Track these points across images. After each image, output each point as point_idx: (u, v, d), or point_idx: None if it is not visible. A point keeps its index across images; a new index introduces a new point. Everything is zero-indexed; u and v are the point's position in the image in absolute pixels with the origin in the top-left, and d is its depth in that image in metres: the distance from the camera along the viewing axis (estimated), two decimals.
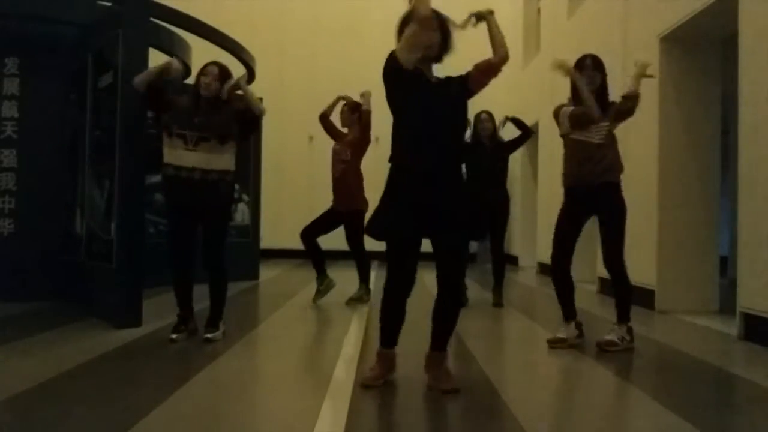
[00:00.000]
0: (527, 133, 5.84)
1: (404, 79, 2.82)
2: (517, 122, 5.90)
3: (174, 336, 3.88)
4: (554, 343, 3.88)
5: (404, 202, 2.82)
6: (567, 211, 3.96)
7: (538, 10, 10.45)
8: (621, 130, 6.43)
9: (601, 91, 3.89)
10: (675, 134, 5.63)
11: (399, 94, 2.88)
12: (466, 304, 5.60)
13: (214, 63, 3.98)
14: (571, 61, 4.03)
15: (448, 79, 2.98)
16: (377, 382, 2.92)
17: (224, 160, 3.91)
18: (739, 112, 4.43)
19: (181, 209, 3.91)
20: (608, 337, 3.83)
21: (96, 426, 2.37)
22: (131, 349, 3.68)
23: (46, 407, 2.58)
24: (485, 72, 2.96)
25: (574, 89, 3.89)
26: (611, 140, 3.90)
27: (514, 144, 5.85)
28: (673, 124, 5.63)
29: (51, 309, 5.05)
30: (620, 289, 3.96)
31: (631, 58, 6.27)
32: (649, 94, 5.79)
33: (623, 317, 3.91)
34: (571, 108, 3.88)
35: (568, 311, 3.97)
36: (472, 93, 2.99)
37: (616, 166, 3.94)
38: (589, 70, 3.88)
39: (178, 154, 3.82)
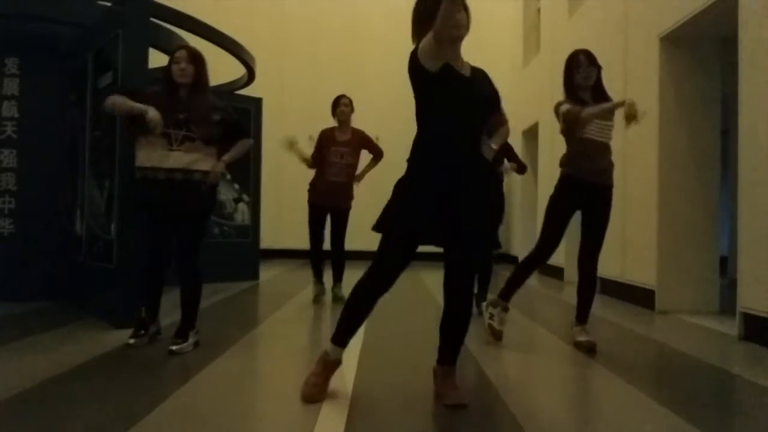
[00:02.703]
0: (521, 170, 5.55)
1: (432, 79, 2.64)
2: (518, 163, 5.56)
3: (132, 341, 3.69)
4: (499, 337, 4.02)
5: (426, 200, 2.62)
6: (564, 200, 3.89)
7: (538, 10, 10.46)
8: (620, 130, 6.45)
9: (597, 86, 3.87)
10: (675, 134, 5.63)
11: (430, 91, 2.69)
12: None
13: (182, 47, 3.80)
14: (581, 48, 3.98)
15: (481, 74, 2.82)
16: (321, 395, 2.69)
17: (208, 161, 3.69)
18: (739, 112, 4.43)
19: (158, 211, 3.68)
20: (589, 338, 3.88)
21: (96, 426, 2.37)
22: (131, 349, 3.68)
23: (46, 407, 2.57)
24: (500, 123, 2.93)
25: (567, 86, 3.87)
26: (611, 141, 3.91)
27: (510, 158, 5.51)
28: (673, 124, 5.63)
29: (51, 309, 5.05)
30: (593, 287, 4.01)
31: (632, 58, 6.30)
32: (649, 94, 5.81)
33: (587, 316, 3.99)
34: (566, 106, 3.82)
35: (510, 298, 4.10)
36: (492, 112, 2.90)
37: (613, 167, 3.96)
38: (584, 66, 3.82)
39: (157, 156, 3.56)
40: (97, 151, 4.84)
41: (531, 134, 10.17)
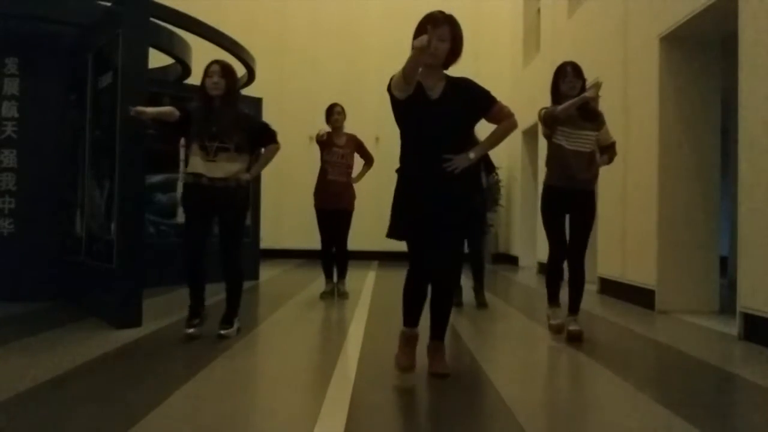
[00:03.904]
0: (490, 169, 6.00)
1: (402, 102, 3.00)
2: (487, 164, 5.85)
3: (190, 331, 3.95)
4: (559, 330, 4.18)
5: (412, 206, 3.06)
6: (552, 210, 4.20)
7: (538, 11, 10.45)
8: (621, 130, 6.45)
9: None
10: (675, 134, 5.63)
11: (399, 114, 3.07)
12: (462, 306, 5.62)
13: (216, 62, 4.03)
14: (569, 60, 4.17)
15: (457, 88, 3.05)
16: (412, 365, 3.07)
17: (240, 168, 3.99)
18: (739, 111, 4.43)
19: (198, 214, 3.97)
20: (577, 328, 4.09)
21: (96, 426, 2.37)
22: (131, 349, 3.68)
23: (46, 407, 2.58)
24: (500, 120, 3.12)
25: (554, 93, 4.16)
26: (596, 150, 4.18)
27: (484, 164, 5.76)
28: (673, 124, 5.63)
29: (51, 309, 5.05)
30: (581, 282, 4.22)
31: (632, 58, 6.30)
32: (649, 94, 5.81)
33: (578, 308, 4.19)
34: (544, 110, 4.16)
35: (557, 298, 4.30)
36: (482, 118, 3.16)
37: (597, 176, 4.26)
38: (570, 77, 4.10)
39: (199, 165, 3.89)
40: (97, 151, 4.84)
41: (531, 134, 10.17)
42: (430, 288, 3.16)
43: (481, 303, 5.62)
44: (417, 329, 3.19)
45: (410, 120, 3.04)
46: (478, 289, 5.70)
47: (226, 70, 3.98)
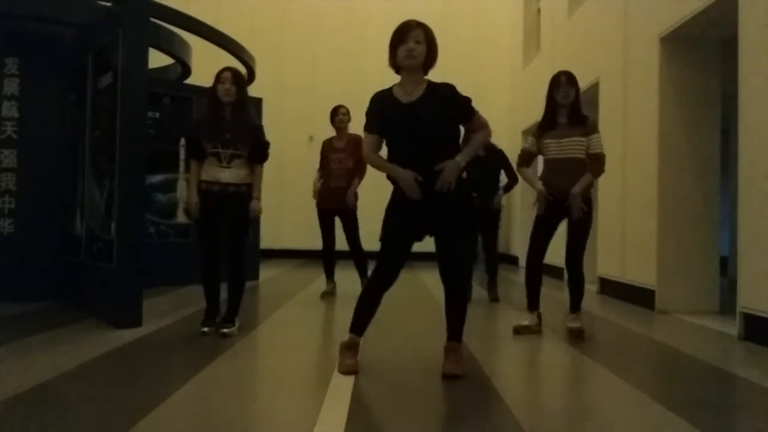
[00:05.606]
0: (513, 181, 6.14)
1: (378, 115, 3.12)
2: (509, 178, 6.12)
3: (205, 329, 4.07)
4: (520, 330, 4.28)
5: (401, 209, 3.11)
6: (544, 215, 4.25)
7: (538, 10, 10.45)
8: (621, 129, 6.45)
9: (574, 104, 4.19)
10: (675, 134, 5.63)
11: (379, 127, 3.14)
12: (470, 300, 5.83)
13: (227, 68, 4.12)
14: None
15: (436, 94, 3.07)
16: (356, 368, 3.15)
17: (248, 173, 4.10)
18: (739, 111, 4.43)
19: (210, 219, 4.05)
20: (578, 325, 4.20)
21: (96, 426, 2.37)
22: (131, 349, 3.68)
23: (46, 407, 2.58)
24: (477, 130, 3.20)
25: (549, 102, 4.24)
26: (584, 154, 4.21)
27: (507, 173, 6.07)
28: (673, 124, 5.63)
29: (51, 309, 5.06)
30: (580, 283, 4.30)
31: (632, 58, 6.30)
32: (649, 94, 5.81)
33: (579, 307, 4.30)
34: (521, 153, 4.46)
35: (534, 302, 4.36)
36: (462, 124, 3.24)
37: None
38: (563, 86, 4.15)
39: (213, 171, 3.99)
40: (97, 151, 4.84)
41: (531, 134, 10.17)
42: (444, 292, 3.21)
43: (494, 298, 6.02)
44: (360, 338, 3.23)
45: (388, 130, 3.11)
46: (492, 285, 6.08)
47: (237, 77, 4.08)
